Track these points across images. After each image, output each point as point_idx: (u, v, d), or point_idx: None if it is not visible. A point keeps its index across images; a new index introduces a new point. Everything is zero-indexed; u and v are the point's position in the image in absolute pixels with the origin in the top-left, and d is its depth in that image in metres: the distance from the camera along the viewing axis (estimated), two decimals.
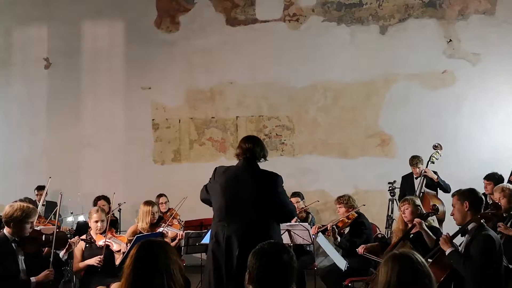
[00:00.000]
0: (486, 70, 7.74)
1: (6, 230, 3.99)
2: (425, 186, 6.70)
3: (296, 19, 8.38)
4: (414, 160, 6.89)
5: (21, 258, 4.00)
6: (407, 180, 7.08)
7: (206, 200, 4.07)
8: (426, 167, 6.76)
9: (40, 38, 8.95)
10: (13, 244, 3.96)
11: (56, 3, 8.90)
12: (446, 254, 3.58)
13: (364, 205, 6.15)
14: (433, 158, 6.75)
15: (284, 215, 4.01)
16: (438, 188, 6.80)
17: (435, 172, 6.76)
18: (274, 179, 3.91)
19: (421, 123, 7.83)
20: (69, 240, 4.41)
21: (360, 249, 5.11)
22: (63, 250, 4.37)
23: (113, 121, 8.73)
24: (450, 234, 3.77)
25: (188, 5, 8.68)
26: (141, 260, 2.40)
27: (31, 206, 4.14)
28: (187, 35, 8.63)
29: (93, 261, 4.76)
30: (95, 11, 8.80)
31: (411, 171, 7.01)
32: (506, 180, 6.02)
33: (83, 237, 4.96)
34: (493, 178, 5.97)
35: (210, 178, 4.05)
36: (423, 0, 8.01)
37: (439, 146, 6.82)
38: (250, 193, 3.82)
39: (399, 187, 7.15)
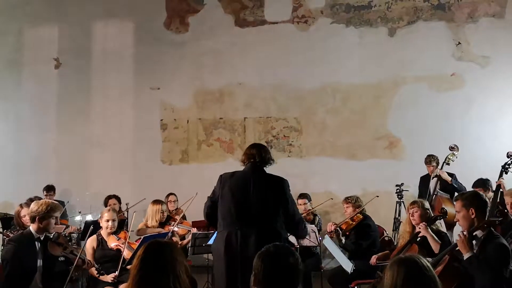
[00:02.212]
0: (495, 73, 7.70)
1: (32, 227, 4.05)
2: (441, 188, 6.63)
3: (304, 21, 8.39)
4: (428, 159, 6.83)
5: (40, 260, 4.03)
6: (424, 180, 7.01)
7: (211, 208, 4.01)
8: (441, 168, 6.70)
9: (50, 38, 9.04)
10: (36, 243, 4.01)
11: (67, 4, 8.99)
12: (465, 258, 3.45)
13: (377, 196, 6.16)
14: (449, 160, 6.65)
15: (293, 225, 4.02)
16: (454, 191, 6.73)
17: (451, 174, 6.70)
18: (281, 182, 3.96)
19: (429, 125, 7.80)
20: (85, 259, 4.41)
21: (373, 260, 5.07)
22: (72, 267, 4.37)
23: (122, 121, 8.79)
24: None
25: (197, 6, 8.73)
26: (148, 261, 2.41)
27: (56, 202, 4.21)
28: (196, 36, 8.67)
29: (109, 278, 4.78)
30: (105, 11, 8.88)
31: (426, 172, 6.97)
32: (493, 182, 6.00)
33: (94, 237, 5.00)
34: (480, 184, 5.95)
35: (214, 187, 4.05)
36: (432, 2, 7.98)
37: (455, 147, 6.70)
38: (260, 196, 3.85)
39: (418, 187, 7.10)
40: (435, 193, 6.60)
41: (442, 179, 6.64)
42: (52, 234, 4.16)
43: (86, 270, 4.70)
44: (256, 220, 3.80)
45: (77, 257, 4.19)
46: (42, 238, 4.06)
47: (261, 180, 3.95)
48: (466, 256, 3.45)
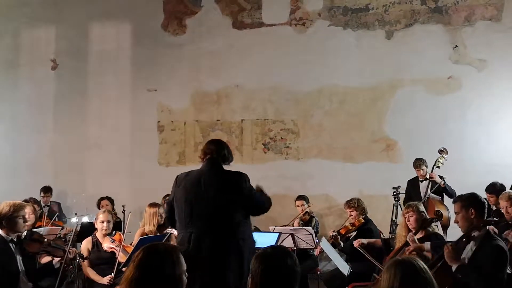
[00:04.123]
0: (492, 76, 7.71)
1: (1, 231, 3.95)
2: (430, 191, 6.68)
3: (302, 23, 8.40)
4: (417, 162, 6.87)
5: (19, 259, 4.00)
6: (413, 184, 7.05)
7: (169, 211, 3.88)
8: (431, 171, 6.73)
9: (47, 40, 9.03)
10: (10, 245, 3.96)
11: (64, 5, 8.98)
12: (454, 269, 3.43)
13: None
14: (438, 163, 6.70)
15: (257, 207, 3.89)
16: (444, 193, 6.78)
17: (441, 177, 6.73)
18: (238, 177, 3.81)
19: (426, 128, 7.80)
20: (67, 249, 4.37)
21: (356, 243, 5.10)
22: (57, 258, 4.34)
23: (119, 123, 8.78)
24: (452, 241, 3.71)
25: (195, 8, 8.73)
26: (144, 266, 2.32)
27: (18, 201, 4.11)
28: (194, 38, 8.67)
29: (105, 280, 4.76)
30: (102, 13, 8.87)
31: (416, 175, 7.00)
32: (508, 188, 5.97)
33: (89, 238, 4.99)
34: (495, 190, 5.91)
35: (172, 189, 3.93)
36: (429, 6, 8.00)
37: (444, 150, 6.76)
38: (215, 194, 3.70)
39: (405, 191, 7.13)
40: (427, 196, 6.62)
41: (433, 182, 6.66)
42: (25, 233, 4.12)
43: (79, 266, 4.67)
44: (211, 220, 3.66)
45: (59, 249, 4.18)
46: (15, 239, 4.00)
47: (216, 177, 3.78)
48: (454, 267, 3.43)
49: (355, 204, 5.71)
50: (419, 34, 7.99)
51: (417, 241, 4.38)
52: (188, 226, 3.69)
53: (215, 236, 3.62)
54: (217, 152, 3.85)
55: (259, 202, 3.91)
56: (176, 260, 2.36)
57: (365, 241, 5.24)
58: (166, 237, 5.38)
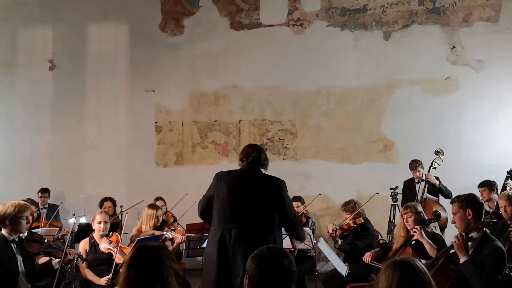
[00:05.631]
0: (489, 77, 7.72)
1: (3, 231, 3.98)
2: (426, 192, 6.69)
3: (300, 24, 8.40)
4: (414, 164, 6.88)
5: (20, 259, 4.00)
6: (409, 185, 7.06)
7: (207, 206, 4.01)
8: (428, 172, 6.74)
9: (45, 40, 9.01)
10: (12, 245, 3.97)
11: (62, 5, 8.97)
12: (461, 262, 3.45)
13: (377, 193, 6.28)
14: (435, 164, 6.71)
15: (291, 226, 4.09)
16: (440, 194, 6.79)
17: (436, 178, 6.75)
18: (279, 183, 3.97)
19: (424, 129, 7.82)
20: (65, 250, 4.35)
21: (368, 258, 5.05)
22: (57, 259, 4.32)
23: (117, 123, 8.77)
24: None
25: (193, 9, 8.72)
26: (134, 266, 2.36)
27: (23, 202, 4.13)
28: (192, 39, 8.66)
29: (102, 281, 4.75)
30: (100, 13, 8.86)
31: (412, 176, 7.01)
32: (499, 186, 6.02)
33: (86, 239, 4.98)
34: (485, 183, 5.99)
35: (210, 185, 4.07)
36: (427, 6, 8.01)
37: (441, 151, 6.77)
38: (256, 195, 3.87)
39: (401, 192, 7.14)
40: (424, 196, 6.64)
41: (429, 183, 6.67)
42: (26, 233, 4.12)
43: (76, 267, 4.66)
44: (251, 219, 3.80)
45: (59, 249, 4.17)
46: (17, 240, 4.01)
47: (258, 180, 3.97)
48: (462, 259, 3.45)
49: (350, 208, 5.72)
50: (416, 35, 8.00)
51: (424, 235, 4.38)
52: (229, 222, 3.82)
53: (252, 235, 3.72)
54: (257, 156, 4.06)
55: (297, 222, 4.19)
56: (164, 260, 2.39)
57: (373, 252, 5.18)
58: (161, 238, 5.39)
